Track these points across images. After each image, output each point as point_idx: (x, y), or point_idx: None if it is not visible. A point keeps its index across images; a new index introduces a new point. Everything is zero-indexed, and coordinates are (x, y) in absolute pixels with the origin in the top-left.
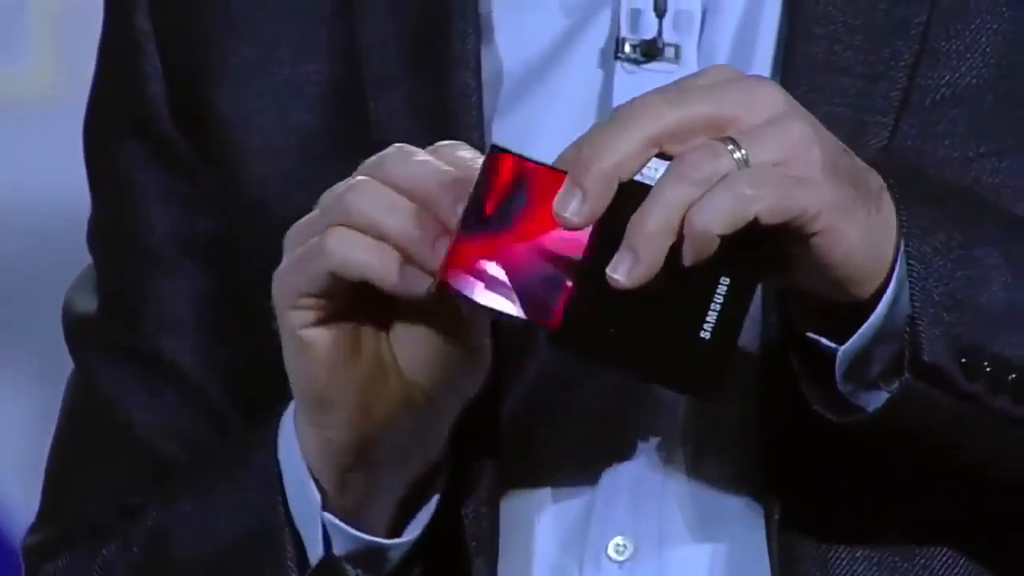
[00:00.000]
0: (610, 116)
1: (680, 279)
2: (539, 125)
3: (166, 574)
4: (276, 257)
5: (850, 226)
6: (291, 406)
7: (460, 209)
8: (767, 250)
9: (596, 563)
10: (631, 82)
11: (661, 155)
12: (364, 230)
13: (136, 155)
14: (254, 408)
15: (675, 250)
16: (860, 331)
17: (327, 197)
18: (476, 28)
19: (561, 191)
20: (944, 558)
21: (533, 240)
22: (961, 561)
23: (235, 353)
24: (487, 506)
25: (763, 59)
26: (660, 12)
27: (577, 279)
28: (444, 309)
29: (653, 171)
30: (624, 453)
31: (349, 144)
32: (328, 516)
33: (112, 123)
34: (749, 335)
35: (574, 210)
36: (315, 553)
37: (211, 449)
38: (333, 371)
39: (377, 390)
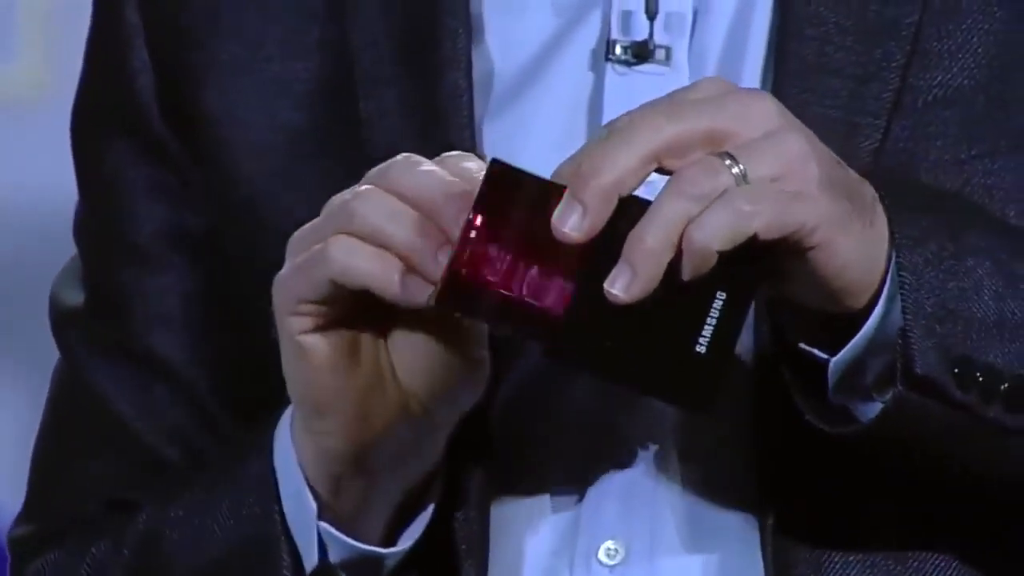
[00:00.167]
0: (607, 131)
1: (676, 293)
2: (530, 126)
3: None
4: (266, 256)
5: (846, 239)
6: (287, 413)
7: (463, 221)
8: (763, 264)
9: (587, 567)
10: (622, 84)
11: (658, 169)
12: (367, 238)
13: (124, 150)
14: (243, 406)
15: (672, 265)
16: (852, 342)
17: (331, 204)
18: (467, 27)
19: (561, 206)
20: (937, 561)
21: (531, 253)
22: (953, 564)
23: (224, 351)
24: (477, 510)
25: (754, 61)
26: (651, 14)
27: (574, 293)
28: (444, 320)
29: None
30: (614, 457)
31: (339, 143)
32: (324, 525)
33: (100, 117)
34: (742, 344)
35: (574, 225)
36: (310, 562)
37: (201, 446)
38: (331, 378)
39: (375, 399)
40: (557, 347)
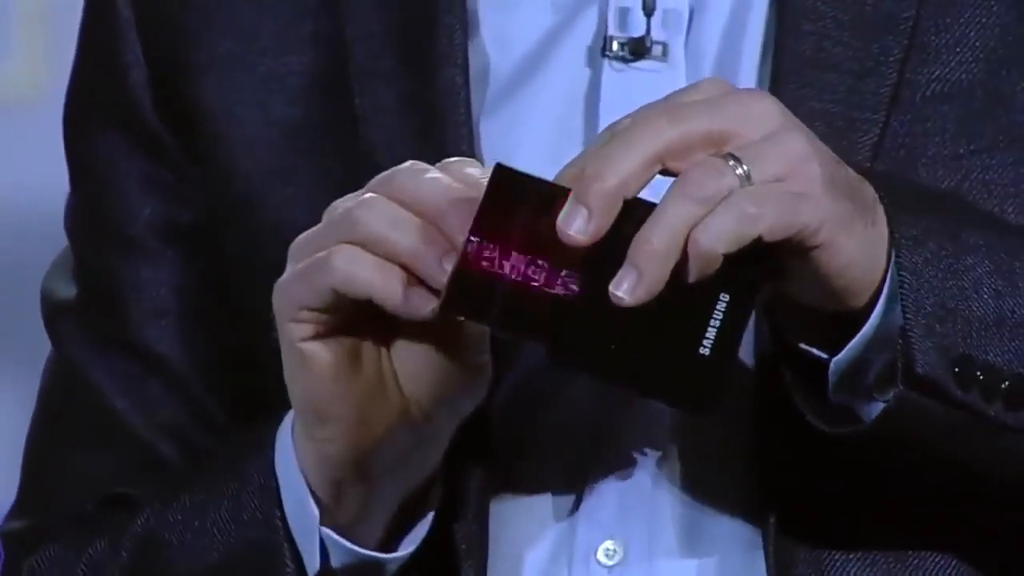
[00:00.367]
0: (609, 134)
1: (681, 295)
2: (526, 122)
3: None
4: (263, 251)
5: (848, 239)
6: (288, 416)
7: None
8: (767, 264)
9: (586, 567)
10: (619, 80)
11: (662, 171)
12: (371, 246)
13: (117, 143)
14: (239, 401)
15: (677, 267)
16: (853, 342)
17: (334, 211)
18: (463, 23)
19: (565, 209)
20: (937, 560)
21: (536, 257)
22: (953, 563)
23: (219, 346)
24: (476, 510)
25: (751, 57)
26: (648, 10)
27: (578, 295)
28: (446, 325)
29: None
30: (613, 457)
31: (334, 139)
32: (326, 531)
33: (93, 111)
34: (742, 344)
35: (579, 228)
36: (312, 567)
37: (197, 441)
38: (333, 385)
39: (377, 405)
40: (561, 350)
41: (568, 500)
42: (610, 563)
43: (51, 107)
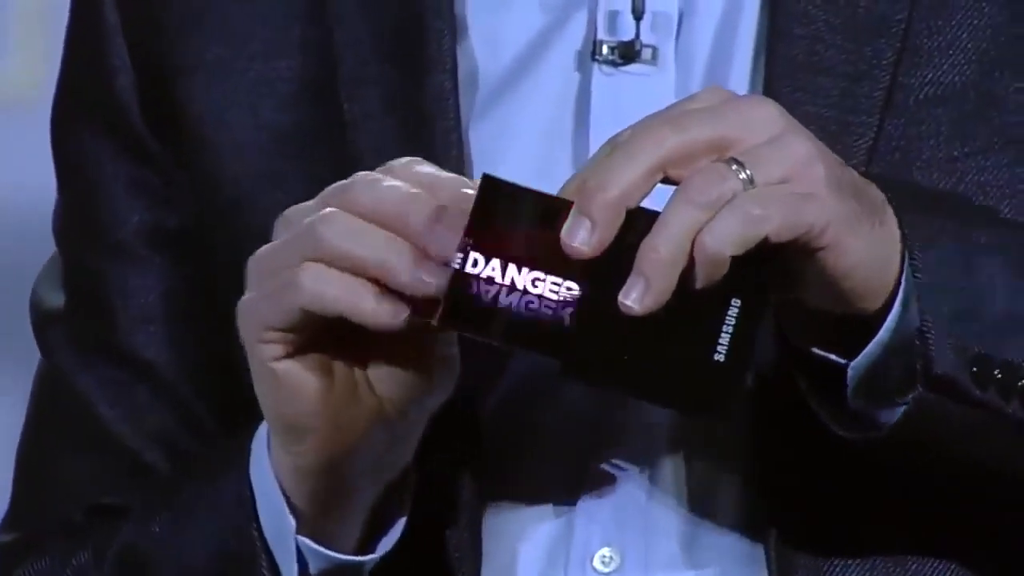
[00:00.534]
0: (611, 146)
1: (691, 303)
2: (516, 126)
3: None
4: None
5: (855, 239)
6: (263, 427)
7: (440, 232)
8: (775, 267)
9: (582, 573)
10: (609, 84)
11: (665, 180)
12: (337, 262)
13: (105, 148)
14: (227, 407)
15: (686, 274)
16: (869, 346)
17: (288, 223)
18: (451, 27)
19: (569, 221)
20: (936, 564)
21: (537, 270)
22: (952, 568)
23: (207, 352)
24: (469, 518)
25: (742, 60)
26: (637, 14)
27: (585, 307)
28: (414, 324)
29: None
30: (608, 464)
31: (324, 144)
32: (303, 540)
33: (80, 116)
34: None
35: (583, 239)
36: (289, 574)
37: (185, 448)
38: (308, 401)
39: (352, 411)
40: (570, 364)
41: (563, 507)
42: (607, 570)
43: (50, 108)
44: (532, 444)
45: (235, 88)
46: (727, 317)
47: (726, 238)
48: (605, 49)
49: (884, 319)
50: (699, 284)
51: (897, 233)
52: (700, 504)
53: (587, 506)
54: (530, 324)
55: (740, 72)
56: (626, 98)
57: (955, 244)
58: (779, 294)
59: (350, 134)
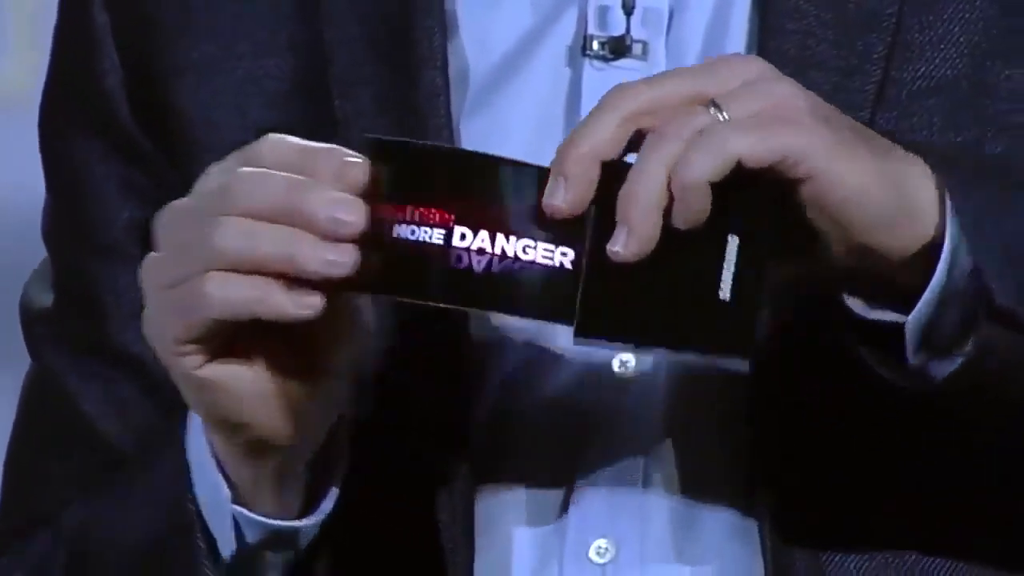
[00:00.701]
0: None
1: (687, 245)
2: (507, 123)
3: (87, 572)
4: None
5: (844, 167)
6: None
7: (339, 209)
8: (767, 199)
9: (577, 566)
10: (600, 79)
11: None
12: (238, 267)
13: (94, 149)
14: None
15: (675, 216)
16: (926, 293)
17: (180, 232)
18: (442, 24)
19: (548, 184)
20: (935, 559)
21: (528, 239)
22: (950, 559)
23: None
24: (461, 510)
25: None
26: (628, 9)
27: (586, 269)
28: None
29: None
30: (602, 455)
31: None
32: (237, 509)
33: (69, 116)
34: None
35: (560, 197)
36: (228, 546)
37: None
38: (237, 398)
39: (281, 390)
40: (582, 327)
41: (557, 499)
42: (602, 561)
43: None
44: (524, 435)
45: (223, 88)
46: (726, 255)
47: (700, 164)
48: (596, 44)
49: (932, 271)
50: (688, 222)
51: (920, 171)
52: (695, 494)
53: (581, 498)
54: (533, 295)
55: None
56: None
57: (986, 187)
58: (802, 258)
59: (341, 132)
